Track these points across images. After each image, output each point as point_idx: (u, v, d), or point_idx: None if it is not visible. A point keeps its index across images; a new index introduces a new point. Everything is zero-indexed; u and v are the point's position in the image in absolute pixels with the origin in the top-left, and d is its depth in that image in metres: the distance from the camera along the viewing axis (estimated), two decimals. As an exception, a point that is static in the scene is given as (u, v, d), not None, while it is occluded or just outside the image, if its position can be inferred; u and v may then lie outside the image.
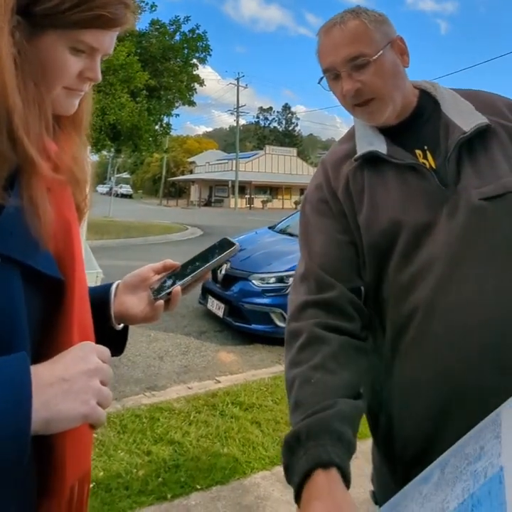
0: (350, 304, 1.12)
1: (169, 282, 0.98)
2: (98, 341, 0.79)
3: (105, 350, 0.76)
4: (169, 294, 0.96)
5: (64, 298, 0.76)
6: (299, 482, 0.86)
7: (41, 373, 0.66)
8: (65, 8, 0.70)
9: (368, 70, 1.10)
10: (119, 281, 1.01)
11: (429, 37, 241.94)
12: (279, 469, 2.90)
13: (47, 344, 0.75)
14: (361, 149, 1.18)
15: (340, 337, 1.07)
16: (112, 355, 0.78)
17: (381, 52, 1.10)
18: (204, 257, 1.00)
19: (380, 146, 1.16)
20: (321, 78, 1.18)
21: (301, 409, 0.96)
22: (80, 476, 0.79)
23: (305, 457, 0.88)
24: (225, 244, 1.01)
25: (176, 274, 0.99)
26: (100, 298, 0.96)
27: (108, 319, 0.96)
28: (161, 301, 0.96)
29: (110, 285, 1.00)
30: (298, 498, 0.86)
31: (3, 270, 0.67)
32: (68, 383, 0.67)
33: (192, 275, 0.97)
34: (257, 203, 47.59)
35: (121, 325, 0.99)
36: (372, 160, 1.17)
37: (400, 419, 1.15)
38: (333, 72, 1.13)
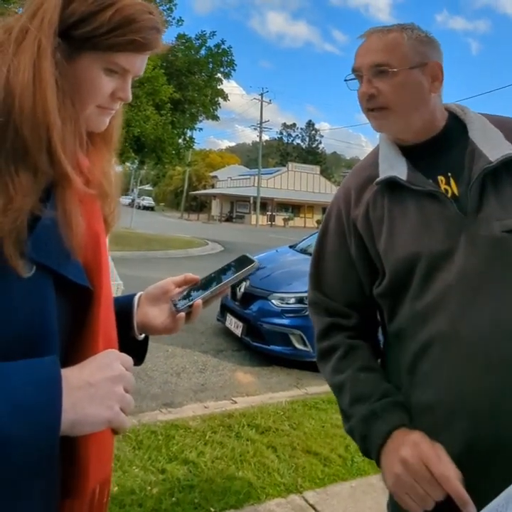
0: (369, 328, 1.30)
1: (190, 295, 1.01)
2: (120, 350, 0.83)
3: (128, 359, 0.79)
4: (190, 306, 0.99)
5: (91, 307, 0.80)
6: (380, 443, 1.09)
7: (70, 376, 0.69)
8: (102, 32, 0.76)
9: (386, 80, 1.12)
10: (142, 292, 1.05)
11: (459, 56, 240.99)
12: (295, 498, 2.87)
13: (73, 350, 0.78)
14: (383, 173, 1.19)
15: (369, 344, 1.27)
16: (134, 365, 0.82)
17: (407, 68, 1.11)
18: (223, 272, 1.04)
19: (401, 171, 1.16)
20: (349, 76, 1.20)
21: (362, 401, 1.15)
22: (101, 480, 0.83)
23: (385, 424, 1.10)
24: (244, 261, 1.04)
25: (196, 287, 1.03)
26: (124, 308, 1.00)
27: (130, 329, 1.00)
28: (182, 314, 1.00)
29: (133, 296, 1.04)
30: (378, 457, 1.11)
31: (38, 278, 0.71)
32: (94, 388, 0.71)
33: (212, 290, 1.00)
34: (279, 220, 47.52)
35: (143, 335, 1.03)
36: (392, 185, 1.17)
37: None
38: (358, 74, 1.17)
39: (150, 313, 1.01)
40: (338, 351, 1.24)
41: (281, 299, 5.50)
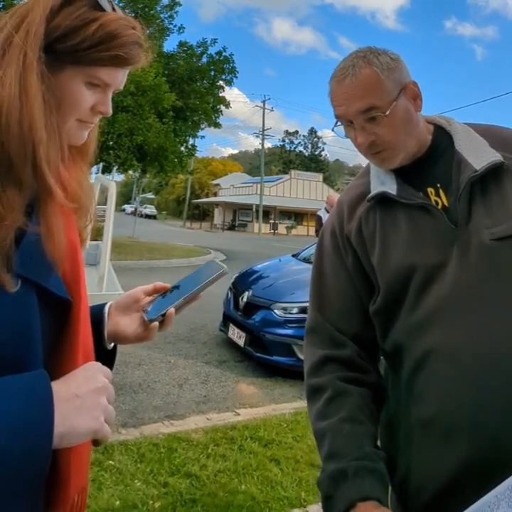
0: (363, 359, 1.21)
1: (161, 304, 1.02)
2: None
3: (108, 371, 0.80)
4: (163, 315, 1.00)
5: (71, 319, 0.81)
6: (342, 510, 0.99)
7: (59, 390, 0.69)
8: (85, 46, 0.76)
9: (380, 123, 1.10)
10: (112, 302, 1.05)
11: (464, 63, 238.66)
12: (299, 512, 2.85)
13: (53, 363, 0.79)
14: (374, 189, 1.19)
15: (361, 389, 1.17)
16: None
17: (394, 103, 1.09)
18: (193, 279, 1.05)
19: (391, 186, 1.17)
20: (336, 123, 1.18)
21: (338, 458, 1.08)
22: (80, 488, 0.84)
23: (353, 489, 1.01)
24: (213, 268, 1.06)
25: (167, 295, 1.03)
26: (95, 318, 0.99)
27: (101, 339, 1.00)
28: (156, 323, 1.00)
29: (104, 305, 1.04)
30: None
31: (23, 292, 0.72)
32: (80, 400, 0.72)
33: (184, 297, 1.01)
34: (281, 228, 47.46)
35: (112, 345, 1.03)
36: (383, 201, 1.18)
37: (416, 463, 1.13)
38: (346, 121, 1.14)
39: (121, 323, 1.01)
40: (326, 393, 1.17)
41: (284, 308, 5.47)
